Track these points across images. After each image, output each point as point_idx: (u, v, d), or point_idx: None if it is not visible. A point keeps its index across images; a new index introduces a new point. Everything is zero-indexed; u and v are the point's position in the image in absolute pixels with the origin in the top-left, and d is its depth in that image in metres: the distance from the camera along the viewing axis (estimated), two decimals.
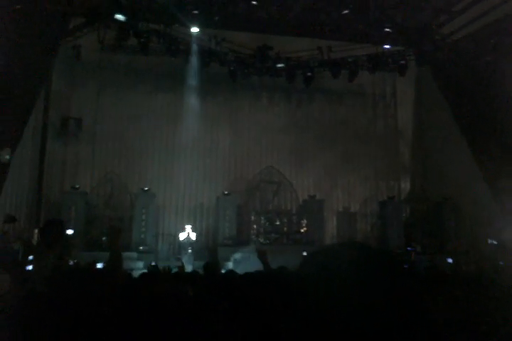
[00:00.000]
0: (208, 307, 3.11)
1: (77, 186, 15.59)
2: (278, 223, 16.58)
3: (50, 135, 15.98)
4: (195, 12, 14.77)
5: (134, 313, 3.00)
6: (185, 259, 13.72)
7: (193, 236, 14.52)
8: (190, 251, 14.09)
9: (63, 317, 2.56)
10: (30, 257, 5.05)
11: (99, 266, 7.51)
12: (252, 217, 16.60)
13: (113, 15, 14.20)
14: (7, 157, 12.49)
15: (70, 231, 12.39)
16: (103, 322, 2.67)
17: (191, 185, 17.07)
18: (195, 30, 15.47)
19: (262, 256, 4.55)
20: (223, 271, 6.66)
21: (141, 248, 14.98)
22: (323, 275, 1.13)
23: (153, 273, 5.82)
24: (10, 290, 3.87)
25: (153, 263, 10.85)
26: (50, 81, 15.68)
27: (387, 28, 15.79)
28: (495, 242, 14.22)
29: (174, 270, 6.17)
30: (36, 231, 12.70)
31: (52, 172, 16.00)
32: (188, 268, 12.50)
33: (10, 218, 13.09)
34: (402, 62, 16.81)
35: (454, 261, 13.01)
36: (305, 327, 1.11)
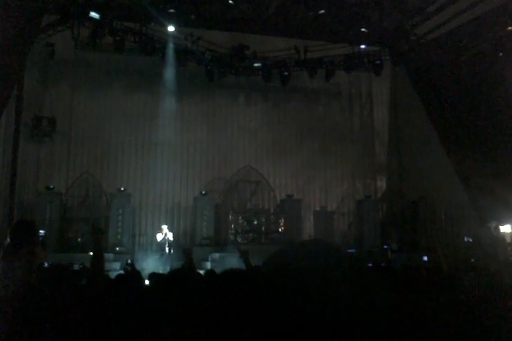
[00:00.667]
0: (187, 306, 3.07)
1: (52, 186, 15.33)
2: (256, 222, 16.55)
3: (23, 135, 15.69)
4: (171, 11, 14.65)
5: (112, 314, 2.94)
6: (162, 260, 13.62)
7: (171, 236, 14.41)
8: (167, 251, 13.98)
9: (43, 317, 2.50)
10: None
11: (76, 267, 7.36)
12: (230, 217, 16.55)
13: (87, 12, 13.98)
14: None
15: (42, 232, 12.16)
16: (82, 323, 2.62)
17: (168, 185, 16.94)
18: (171, 28, 15.34)
19: (243, 255, 4.54)
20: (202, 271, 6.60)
21: (117, 249, 14.81)
22: (285, 272, 1.14)
23: (131, 274, 5.73)
24: None
25: (129, 261, 10.70)
26: (23, 80, 15.39)
27: (363, 28, 15.91)
28: (470, 240, 14.45)
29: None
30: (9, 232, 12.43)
31: (26, 172, 15.71)
32: (166, 269, 12.41)
33: None
34: (378, 61, 16.95)
35: (429, 258, 13.16)
36: (273, 322, 1.12)
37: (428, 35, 16.23)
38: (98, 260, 3.82)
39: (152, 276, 5.49)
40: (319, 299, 1.10)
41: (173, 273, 5.81)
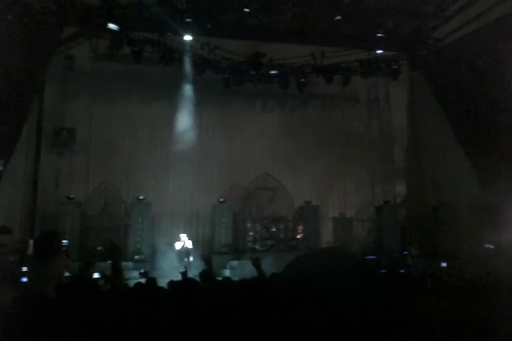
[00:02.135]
0: (204, 314, 3.08)
1: (72, 196, 15.52)
2: (274, 229, 16.55)
3: (43, 145, 15.92)
4: (188, 20, 14.79)
5: (131, 322, 2.97)
6: (182, 268, 13.65)
7: (189, 244, 14.46)
8: (187, 259, 14.01)
9: (65, 328, 2.54)
10: (25, 268, 5.00)
11: (96, 275, 7.44)
12: (248, 224, 16.57)
13: (106, 24, 14.20)
14: (0, 168, 12.45)
15: (64, 241, 12.31)
16: (105, 330, 2.66)
17: (187, 193, 17.00)
18: (188, 38, 15.49)
19: (255, 262, 4.57)
20: (220, 279, 6.63)
21: (137, 257, 14.91)
22: (302, 280, 1.18)
23: (149, 283, 5.77)
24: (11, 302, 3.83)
25: (142, 271, 10.73)
26: (43, 91, 15.66)
27: (380, 33, 15.87)
28: (491, 246, 14.21)
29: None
30: (31, 242, 12.62)
31: (47, 182, 15.92)
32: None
33: (5, 229, 13.02)
34: (395, 66, 16.88)
35: (448, 264, 12.95)
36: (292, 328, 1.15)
37: (446, 38, 16.11)
38: (117, 276, 3.94)
39: (171, 284, 5.52)
40: (332, 304, 1.13)
41: (187, 281, 5.85)
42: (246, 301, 3.08)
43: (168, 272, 13.31)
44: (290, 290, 1.22)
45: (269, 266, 4.58)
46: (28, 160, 15.34)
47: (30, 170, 15.37)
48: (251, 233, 16.35)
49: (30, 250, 12.44)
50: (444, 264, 11.92)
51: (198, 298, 3.59)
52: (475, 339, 2.07)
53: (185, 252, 14.21)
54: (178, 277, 10.83)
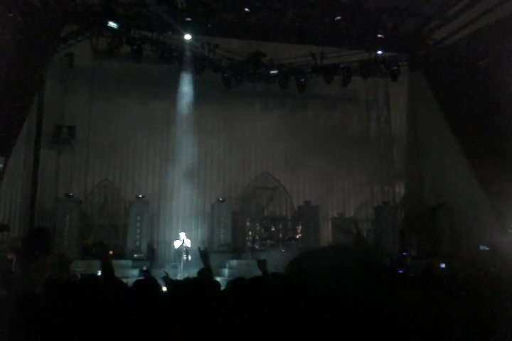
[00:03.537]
0: (206, 313, 3.08)
1: (71, 194, 15.51)
2: (273, 229, 16.54)
3: (43, 143, 15.92)
4: (188, 19, 14.79)
5: (129, 319, 2.97)
6: (180, 267, 13.66)
7: (188, 243, 14.45)
8: (185, 258, 14.01)
9: (54, 325, 2.54)
10: None
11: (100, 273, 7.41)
12: (247, 224, 16.56)
13: (106, 22, 14.20)
14: (0, 165, 12.43)
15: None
16: (100, 328, 2.66)
17: (186, 192, 16.98)
18: (188, 37, 15.49)
19: (261, 265, 4.56)
20: (218, 279, 6.61)
21: (135, 255, 14.90)
22: (307, 278, 1.18)
23: (148, 280, 5.76)
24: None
25: (144, 268, 10.72)
26: (43, 89, 15.64)
27: (380, 33, 15.87)
28: (486, 248, 14.22)
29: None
30: None
31: (46, 180, 15.91)
32: (184, 276, 12.44)
33: (3, 227, 13.00)
34: (395, 67, 16.87)
35: (447, 265, 12.97)
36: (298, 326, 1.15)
37: (446, 40, 16.12)
38: (106, 274, 3.96)
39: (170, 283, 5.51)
40: (344, 300, 1.15)
41: (190, 280, 5.85)
42: (254, 299, 3.09)
43: (167, 271, 13.31)
44: (297, 288, 1.21)
45: (271, 264, 4.57)
46: (28, 157, 15.33)
47: (29, 167, 15.36)
48: (250, 232, 16.36)
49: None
50: (443, 265, 11.94)
51: (202, 297, 3.59)
52: (468, 333, 2.08)
53: (183, 251, 14.21)
54: (176, 276, 10.85)
